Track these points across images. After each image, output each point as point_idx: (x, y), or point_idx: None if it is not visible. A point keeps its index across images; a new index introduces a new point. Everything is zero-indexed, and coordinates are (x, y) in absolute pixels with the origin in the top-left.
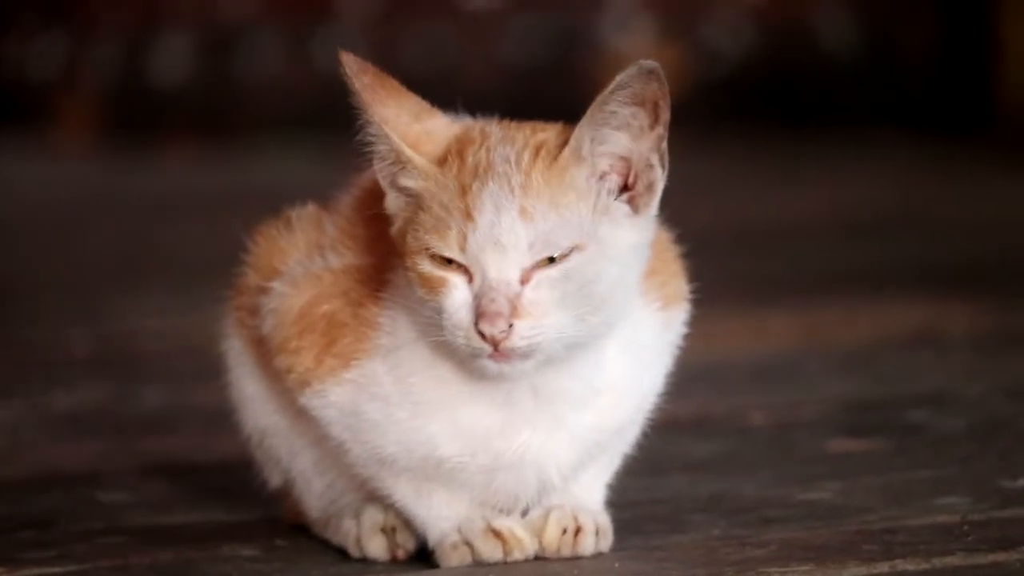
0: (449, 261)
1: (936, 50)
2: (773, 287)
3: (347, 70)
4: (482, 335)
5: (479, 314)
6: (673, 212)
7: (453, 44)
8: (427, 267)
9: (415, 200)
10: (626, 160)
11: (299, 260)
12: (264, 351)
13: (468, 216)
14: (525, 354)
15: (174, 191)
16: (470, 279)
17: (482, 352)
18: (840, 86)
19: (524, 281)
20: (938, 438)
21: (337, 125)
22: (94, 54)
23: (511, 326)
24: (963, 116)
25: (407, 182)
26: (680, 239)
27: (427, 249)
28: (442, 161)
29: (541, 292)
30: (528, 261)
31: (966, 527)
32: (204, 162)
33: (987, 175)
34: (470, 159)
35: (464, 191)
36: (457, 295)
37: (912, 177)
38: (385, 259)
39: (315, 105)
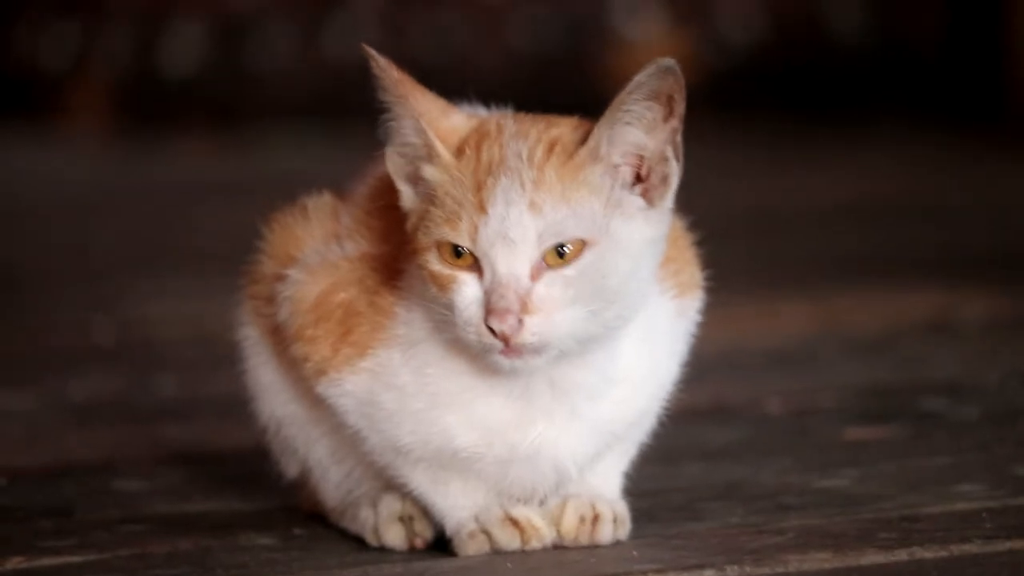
0: (459, 255)
1: (946, 37)
2: (788, 274)
3: (376, 63)
4: (492, 331)
5: (489, 310)
6: (686, 200)
7: (463, 33)
8: (437, 265)
9: (429, 194)
10: (640, 153)
11: (315, 248)
12: (280, 339)
13: (481, 209)
14: (536, 350)
15: (187, 180)
16: (480, 276)
17: (493, 348)
18: (851, 74)
19: (535, 278)
20: (955, 425)
21: (348, 114)
22: (106, 43)
23: (521, 322)
24: (974, 103)
25: (429, 174)
26: (693, 227)
27: (438, 244)
28: (459, 154)
29: (554, 289)
30: (537, 253)
31: (984, 514)
32: (216, 151)
33: (999, 161)
34: (484, 154)
35: (479, 186)
36: (467, 292)
37: (924, 164)
38: (401, 248)
39: (327, 94)
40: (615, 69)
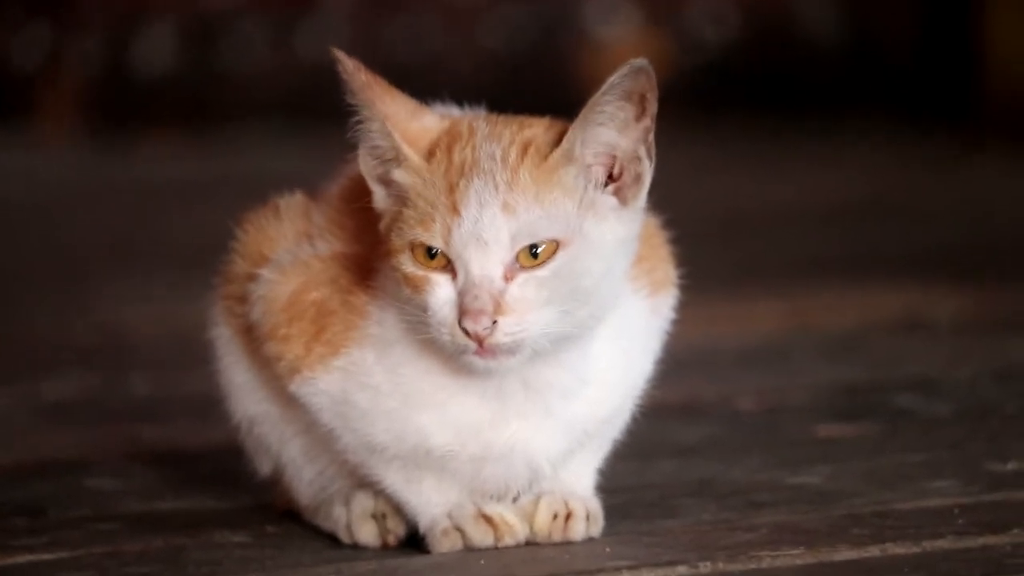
0: (432, 257)
1: (919, 36)
2: (759, 273)
3: (344, 67)
4: (466, 332)
5: (463, 311)
6: (659, 199)
7: (437, 34)
8: (411, 267)
9: (401, 196)
10: (612, 152)
11: (287, 248)
12: (252, 339)
13: (454, 211)
14: (510, 350)
15: (159, 180)
16: (453, 277)
17: (467, 349)
18: (823, 72)
19: (509, 279)
20: (927, 422)
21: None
22: (78, 43)
23: (495, 323)
24: (946, 101)
25: (399, 177)
26: (667, 225)
27: (412, 245)
28: (430, 156)
29: (527, 290)
30: (510, 254)
31: (956, 510)
32: (189, 151)
33: (971, 160)
34: (456, 156)
35: (451, 188)
36: (440, 293)
37: (895, 163)
38: (373, 248)
39: (299, 95)
40: (588, 70)
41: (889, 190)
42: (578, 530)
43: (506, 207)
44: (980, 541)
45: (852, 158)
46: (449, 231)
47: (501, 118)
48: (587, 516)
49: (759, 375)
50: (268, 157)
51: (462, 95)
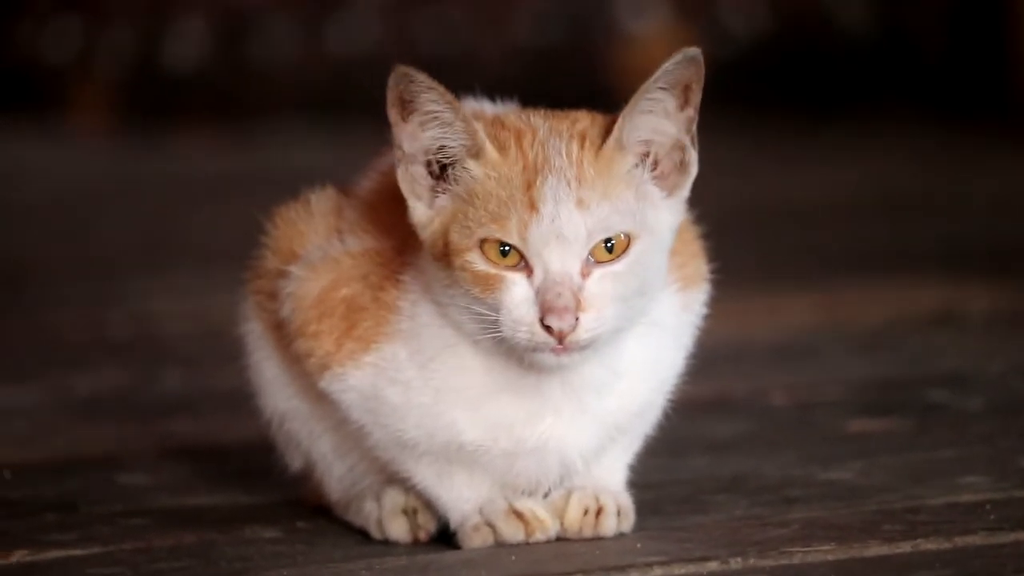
0: (504, 255)
1: (950, 29)
2: (792, 268)
3: (419, 79)
4: (548, 329)
5: (547, 309)
6: (691, 193)
7: (468, 28)
8: (482, 265)
9: (464, 195)
10: (658, 142)
11: (318, 244)
12: (283, 335)
13: (532, 208)
14: (585, 346)
15: (190, 175)
16: (528, 275)
17: (546, 346)
18: (855, 67)
19: (585, 275)
20: (959, 418)
21: (352, 109)
22: (109, 38)
23: (577, 319)
24: (978, 97)
25: (473, 171)
26: (698, 220)
27: (482, 243)
28: (503, 152)
29: (605, 285)
30: (586, 250)
31: (988, 506)
32: (220, 146)
33: (1002, 155)
34: (528, 152)
35: (529, 185)
36: (517, 291)
37: (927, 157)
38: (405, 243)
39: (330, 89)
40: (619, 63)
41: (920, 184)
42: (609, 526)
43: (580, 203)
44: (1012, 537)
45: (884, 152)
46: (526, 228)
47: (547, 112)
48: (618, 512)
49: (791, 370)
50: (299, 151)
51: (492, 89)
